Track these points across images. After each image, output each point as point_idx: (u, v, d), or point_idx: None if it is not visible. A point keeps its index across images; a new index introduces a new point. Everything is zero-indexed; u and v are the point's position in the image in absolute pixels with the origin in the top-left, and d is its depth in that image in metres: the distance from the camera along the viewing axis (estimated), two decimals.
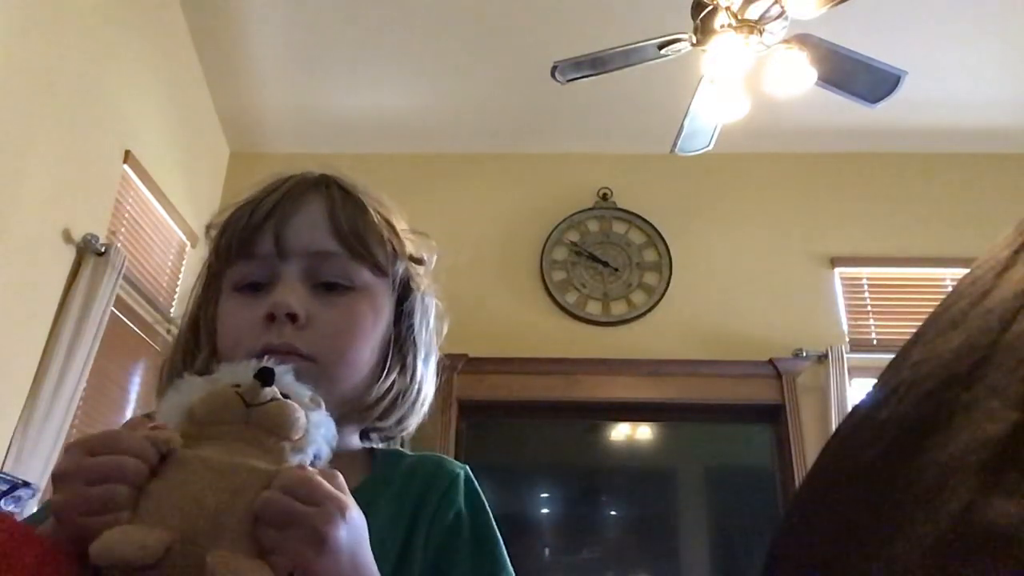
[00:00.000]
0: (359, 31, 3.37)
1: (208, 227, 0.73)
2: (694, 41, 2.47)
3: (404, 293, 0.71)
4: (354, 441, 0.72)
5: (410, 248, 0.73)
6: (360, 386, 0.67)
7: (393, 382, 0.68)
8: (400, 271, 0.71)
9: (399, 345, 0.70)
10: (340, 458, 0.70)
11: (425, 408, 0.73)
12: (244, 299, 0.66)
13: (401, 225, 0.73)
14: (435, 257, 0.76)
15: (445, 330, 0.77)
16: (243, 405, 0.51)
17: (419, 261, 0.73)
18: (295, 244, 0.66)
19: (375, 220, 0.69)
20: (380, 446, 0.75)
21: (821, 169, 3.95)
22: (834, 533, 0.26)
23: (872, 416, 0.27)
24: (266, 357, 0.55)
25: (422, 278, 0.73)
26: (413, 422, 0.73)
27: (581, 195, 3.91)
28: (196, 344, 0.70)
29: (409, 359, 0.70)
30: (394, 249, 0.70)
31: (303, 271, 0.65)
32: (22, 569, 0.42)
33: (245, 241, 0.67)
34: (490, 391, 3.37)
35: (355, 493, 0.50)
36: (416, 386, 0.71)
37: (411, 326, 0.71)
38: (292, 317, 0.63)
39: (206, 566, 0.42)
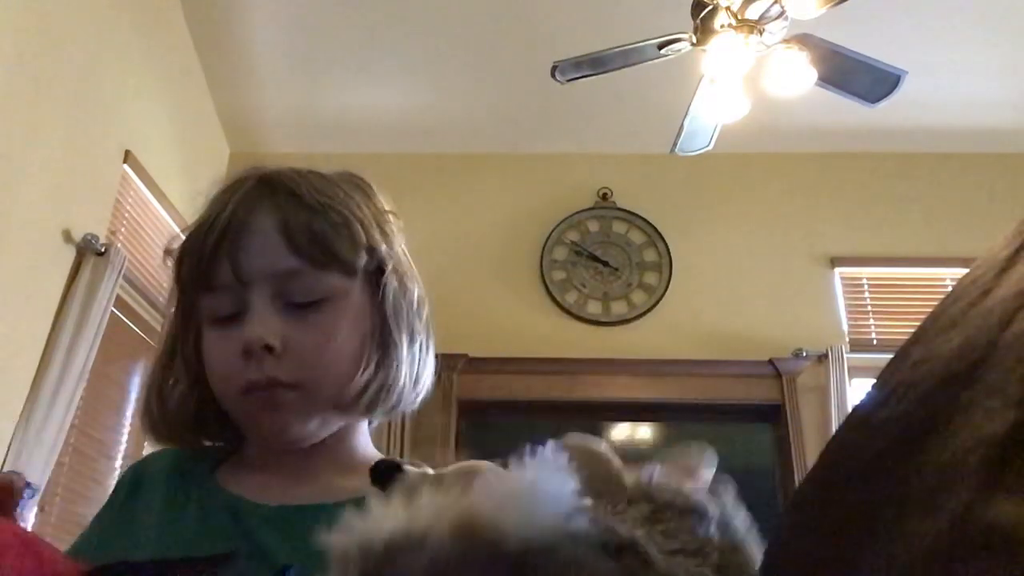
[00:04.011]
0: (359, 31, 3.37)
1: (165, 253, 0.70)
2: (694, 41, 2.47)
3: (377, 279, 0.68)
4: (359, 444, 0.70)
5: (375, 233, 0.68)
6: (342, 383, 0.64)
7: (372, 376, 0.65)
8: (368, 261, 0.67)
9: (377, 335, 0.67)
10: (338, 465, 0.67)
11: (422, 389, 0.70)
12: (221, 332, 0.64)
13: (358, 211, 0.68)
14: (403, 237, 0.72)
15: (427, 310, 0.73)
16: None
17: (387, 242, 0.69)
18: (254, 269, 0.63)
19: (331, 219, 0.65)
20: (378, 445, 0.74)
21: (821, 169, 3.95)
22: (834, 533, 0.26)
23: (872, 416, 0.27)
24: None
25: (392, 258, 0.69)
26: (403, 411, 0.69)
27: (581, 195, 3.91)
28: (176, 372, 0.68)
29: (390, 349, 0.67)
30: (356, 241, 0.66)
31: (270, 294, 0.63)
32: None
33: (203, 274, 0.64)
34: (490, 391, 3.37)
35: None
36: (400, 376, 0.67)
37: (385, 313, 0.67)
38: (268, 348, 0.61)
39: None
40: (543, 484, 0.32)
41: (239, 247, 0.63)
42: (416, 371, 0.69)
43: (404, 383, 0.67)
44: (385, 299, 0.67)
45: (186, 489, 0.65)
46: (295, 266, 0.63)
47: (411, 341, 0.69)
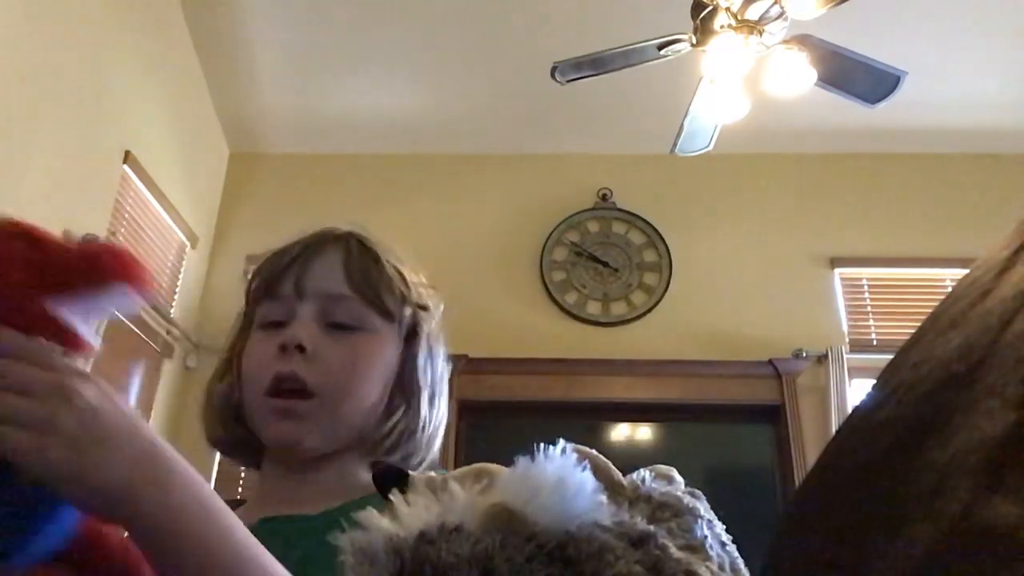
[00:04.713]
0: (359, 32, 3.37)
1: (245, 275, 0.80)
2: (694, 41, 2.47)
3: (411, 338, 0.78)
4: (363, 476, 0.75)
5: (418, 297, 0.79)
6: (366, 422, 0.73)
7: (398, 421, 0.74)
8: (407, 318, 0.77)
9: (403, 386, 0.76)
10: (333, 485, 0.72)
11: (435, 446, 0.79)
12: (265, 334, 0.74)
13: (412, 277, 0.80)
14: (442, 307, 0.82)
15: (449, 373, 0.83)
16: None
17: (425, 308, 0.80)
18: (312, 286, 0.74)
19: (387, 271, 0.77)
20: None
21: (821, 169, 3.94)
22: (834, 533, 0.26)
23: (871, 417, 0.27)
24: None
25: (428, 324, 0.80)
26: (421, 458, 0.77)
27: (581, 195, 3.90)
28: (229, 373, 0.78)
29: (414, 400, 0.76)
30: (403, 297, 0.77)
31: (317, 311, 0.73)
32: None
33: (270, 284, 0.76)
34: (490, 391, 3.37)
35: None
36: (420, 425, 0.76)
37: (415, 369, 0.77)
38: (300, 348, 0.70)
39: None
40: (570, 479, 0.33)
41: (306, 266, 0.75)
42: (432, 427, 0.78)
43: (419, 434, 0.76)
44: (417, 356, 0.78)
45: None
46: (345, 293, 0.74)
47: (431, 400, 0.78)
